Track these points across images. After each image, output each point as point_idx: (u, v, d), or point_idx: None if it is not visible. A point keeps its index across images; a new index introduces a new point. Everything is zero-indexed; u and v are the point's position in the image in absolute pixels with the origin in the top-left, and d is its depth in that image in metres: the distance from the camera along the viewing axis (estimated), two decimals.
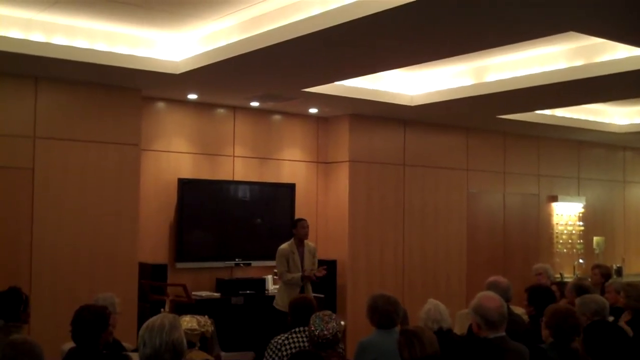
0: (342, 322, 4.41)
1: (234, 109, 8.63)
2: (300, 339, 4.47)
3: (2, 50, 5.99)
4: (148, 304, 7.17)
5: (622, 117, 10.23)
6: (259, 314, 7.97)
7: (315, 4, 5.31)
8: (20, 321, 4.64)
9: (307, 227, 7.43)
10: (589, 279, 7.11)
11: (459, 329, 5.73)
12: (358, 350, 4.54)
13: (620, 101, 9.24)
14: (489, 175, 10.51)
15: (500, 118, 9.24)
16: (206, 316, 4.97)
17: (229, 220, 8.48)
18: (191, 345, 4.42)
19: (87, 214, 7.11)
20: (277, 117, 9.00)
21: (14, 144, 6.83)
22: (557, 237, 11.28)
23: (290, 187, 8.89)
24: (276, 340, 4.51)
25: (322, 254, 8.75)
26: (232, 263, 8.39)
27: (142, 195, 7.66)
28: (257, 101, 8.26)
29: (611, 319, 5.29)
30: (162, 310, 6.40)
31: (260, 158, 8.84)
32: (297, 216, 8.24)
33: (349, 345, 7.46)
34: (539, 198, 11.14)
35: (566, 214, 11.41)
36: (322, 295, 8.23)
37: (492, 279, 5.30)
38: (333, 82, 7.42)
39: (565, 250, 11.28)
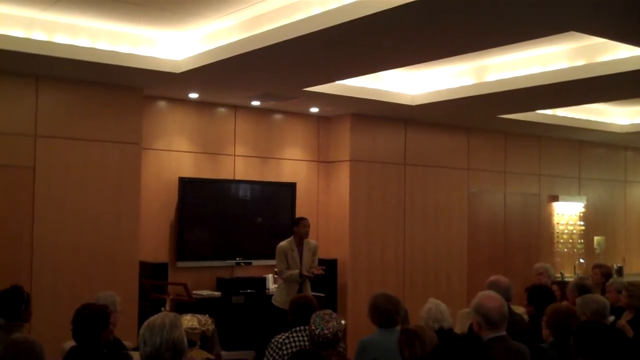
0: (343, 322, 4.41)
1: (235, 108, 8.64)
2: (301, 338, 4.47)
3: (3, 48, 5.99)
4: (149, 303, 7.18)
5: (623, 117, 10.23)
6: (259, 313, 7.97)
7: (316, 3, 5.31)
8: (21, 320, 4.64)
9: (308, 226, 7.43)
10: (590, 279, 7.10)
11: (460, 329, 5.73)
12: (359, 348, 4.55)
13: (621, 101, 9.23)
14: (490, 175, 10.51)
15: (501, 118, 9.24)
16: (207, 315, 4.99)
17: (229, 220, 8.48)
18: (192, 344, 4.44)
19: (88, 213, 7.12)
20: (278, 116, 9.00)
21: (15, 143, 6.84)
22: (557, 236, 11.28)
23: (291, 187, 8.89)
24: (277, 339, 4.51)
25: (323, 253, 8.75)
26: (232, 262, 8.40)
27: (143, 194, 7.66)
28: (258, 100, 8.26)
29: (612, 318, 5.29)
30: (162, 309, 6.41)
31: (261, 157, 8.84)
32: (297, 215, 8.24)
33: (349, 344, 7.46)
34: (539, 198, 11.14)
35: (567, 214, 11.41)
36: (323, 294, 8.24)
37: (492, 278, 5.30)
38: (334, 81, 7.42)
39: (566, 250, 11.28)
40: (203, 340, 4.99)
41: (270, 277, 8.49)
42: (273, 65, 6.52)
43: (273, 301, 7.30)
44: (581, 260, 11.23)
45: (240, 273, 8.49)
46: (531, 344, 4.17)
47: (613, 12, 4.91)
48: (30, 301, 4.78)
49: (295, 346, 4.42)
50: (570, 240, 11.34)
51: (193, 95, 8.05)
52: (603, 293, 6.12)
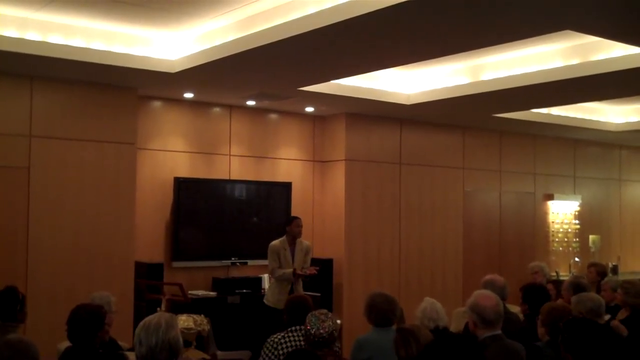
0: (338, 321, 4.41)
1: (230, 107, 8.63)
2: (297, 338, 4.47)
3: None
4: (144, 303, 7.17)
5: (617, 115, 10.25)
6: (255, 312, 7.96)
7: (311, 3, 5.31)
8: (16, 321, 4.63)
9: (301, 226, 7.40)
10: (585, 277, 7.12)
11: (455, 327, 5.74)
12: (355, 347, 4.55)
13: (616, 100, 9.25)
14: (485, 174, 10.52)
15: (497, 117, 9.25)
16: (202, 315, 4.98)
17: (225, 219, 8.47)
18: (187, 344, 4.43)
19: (83, 213, 7.10)
20: (273, 115, 8.99)
21: (10, 143, 6.82)
22: (553, 235, 11.30)
23: (287, 186, 8.89)
24: (272, 339, 4.51)
25: (319, 253, 8.76)
26: (228, 262, 8.39)
27: (138, 194, 7.65)
28: (253, 100, 8.26)
29: (607, 317, 5.30)
30: (158, 309, 6.41)
31: (256, 157, 8.83)
32: (293, 215, 8.23)
33: (345, 343, 7.46)
34: (534, 196, 11.16)
35: (562, 213, 11.43)
36: (319, 294, 8.24)
37: (488, 277, 5.31)
38: (329, 80, 7.43)
39: (561, 249, 11.30)
40: (199, 340, 4.98)
41: (266, 277, 8.47)
42: (268, 65, 6.52)
43: (265, 301, 7.29)
44: (576, 259, 11.26)
45: (235, 273, 8.48)
46: (526, 342, 4.18)
47: (608, 11, 4.92)
48: (26, 302, 4.76)
49: (291, 346, 4.42)
50: (566, 239, 11.36)
51: (188, 95, 8.04)
52: (598, 292, 6.13)
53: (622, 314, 5.58)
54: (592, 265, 7.79)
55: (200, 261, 8.23)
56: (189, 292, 7.63)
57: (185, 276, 7.96)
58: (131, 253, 7.40)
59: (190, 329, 4.69)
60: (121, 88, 7.36)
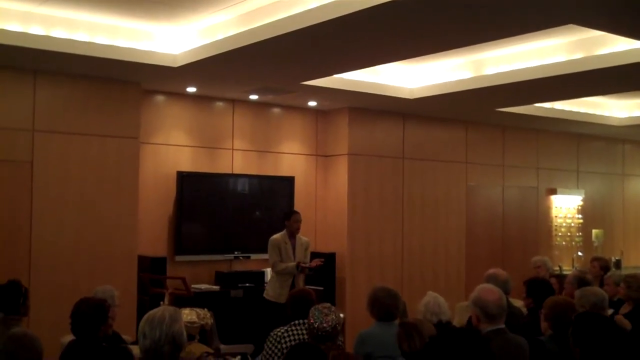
0: (342, 315, 4.42)
1: (232, 102, 8.63)
2: (300, 332, 4.48)
3: (0, 43, 5.97)
4: (147, 297, 7.18)
5: (621, 110, 10.23)
6: (258, 306, 7.97)
7: None
8: (19, 314, 4.64)
9: (300, 221, 7.37)
10: (589, 272, 7.11)
11: (458, 322, 5.74)
12: (358, 341, 4.56)
13: (619, 94, 9.23)
14: (488, 169, 10.51)
15: (500, 111, 9.23)
16: (205, 309, 4.99)
17: (228, 214, 8.48)
18: (191, 338, 4.43)
19: (86, 207, 7.11)
20: (276, 110, 8.99)
21: (13, 137, 6.83)
22: (556, 229, 11.29)
23: (290, 180, 8.89)
24: (275, 332, 4.52)
25: (322, 247, 8.77)
26: (231, 256, 8.40)
27: (141, 188, 7.65)
28: (256, 94, 8.25)
29: (610, 311, 5.30)
30: (161, 303, 6.41)
31: (259, 151, 8.83)
32: (295, 209, 8.23)
33: (348, 337, 7.47)
34: (538, 191, 11.14)
35: (565, 207, 11.42)
36: (322, 288, 8.24)
37: (491, 271, 5.31)
38: (332, 75, 7.42)
39: (564, 243, 11.29)
40: (202, 334, 4.99)
41: (268, 270, 8.46)
42: (271, 59, 6.51)
43: (265, 295, 7.26)
44: (579, 253, 11.25)
45: (238, 267, 8.49)
46: (530, 336, 4.18)
47: (612, 4, 4.91)
48: (29, 295, 4.78)
49: (294, 339, 4.43)
50: (569, 234, 11.35)
51: (191, 90, 8.04)
52: (601, 286, 6.12)
53: (625, 308, 5.58)
54: (595, 259, 7.79)
55: (203, 255, 8.25)
56: (192, 286, 7.64)
57: (188, 270, 7.97)
58: (134, 247, 7.42)
59: (194, 322, 4.70)
60: (124, 82, 7.36)
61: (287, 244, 7.26)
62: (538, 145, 11.10)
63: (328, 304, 4.13)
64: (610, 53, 6.56)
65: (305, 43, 5.86)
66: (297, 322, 4.53)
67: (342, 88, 7.80)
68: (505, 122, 10.35)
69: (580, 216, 11.49)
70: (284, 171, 8.97)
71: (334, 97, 8.33)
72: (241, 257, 8.46)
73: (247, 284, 8.20)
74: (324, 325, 3.95)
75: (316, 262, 7.27)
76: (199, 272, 8.21)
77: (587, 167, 11.76)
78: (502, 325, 3.92)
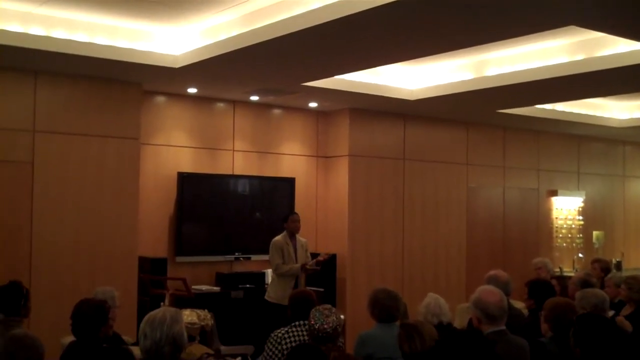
0: (342, 316, 4.41)
1: (233, 103, 8.62)
2: (300, 333, 4.48)
3: (1, 43, 5.97)
4: (148, 298, 7.18)
5: (622, 111, 10.23)
6: (258, 307, 7.96)
7: None
8: (20, 315, 4.63)
9: (298, 221, 7.42)
10: (593, 275, 7.11)
11: (459, 323, 5.74)
12: (358, 343, 4.55)
13: (620, 95, 9.22)
14: (489, 170, 10.50)
15: (501, 112, 9.23)
16: (206, 310, 4.98)
17: (228, 215, 8.48)
18: (191, 339, 4.43)
19: (86, 208, 7.11)
20: (276, 111, 8.99)
21: (14, 138, 6.83)
22: (556, 231, 11.28)
23: (290, 182, 8.89)
24: (276, 333, 4.52)
25: (322, 248, 8.76)
26: (231, 257, 8.40)
27: (142, 189, 7.65)
28: (256, 95, 8.25)
29: (611, 313, 5.29)
30: (162, 304, 6.42)
31: (260, 152, 8.83)
32: (296, 210, 8.23)
33: (348, 339, 7.46)
34: (538, 192, 11.14)
35: (566, 209, 11.41)
36: (322, 289, 8.24)
37: (492, 272, 5.30)
38: (333, 76, 7.42)
39: (564, 245, 11.28)
40: (202, 335, 4.99)
41: (269, 272, 8.46)
42: (272, 60, 6.51)
43: (267, 297, 7.27)
44: (580, 255, 11.24)
45: (239, 268, 8.48)
46: (530, 338, 4.18)
47: (613, 6, 4.90)
48: (29, 296, 4.77)
49: (295, 341, 4.42)
50: (569, 235, 11.35)
51: (192, 90, 8.04)
52: (602, 288, 6.12)
53: (626, 310, 5.58)
54: (596, 261, 7.78)
55: (203, 256, 8.24)
56: (193, 287, 7.63)
57: (189, 271, 7.97)
58: (135, 248, 7.41)
59: (194, 323, 4.69)
60: (125, 83, 7.35)
61: (288, 245, 7.28)
62: (539, 147, 11.10)
63: (329, 305, 4.13)
64: (611, 54, 6.55)
65: (306, 44, 5.86)
66: (297, 323, 4.53)
67: (343, 89, 7.79)
68: (506, 124, 10.35)
69: (580, 218, 11.49)
70: (284, 172, 8.97)
71: (334, 98, 8.32)
72: (242, 258, 8.45)
73: (248, 285, 8.20)
74: (325, 326, 3.95)
75: (323, 256, 7.31)
76: (199, 273, 8.21)
77: (588, 169, 11.76)
78: (503, 327, 3.92)
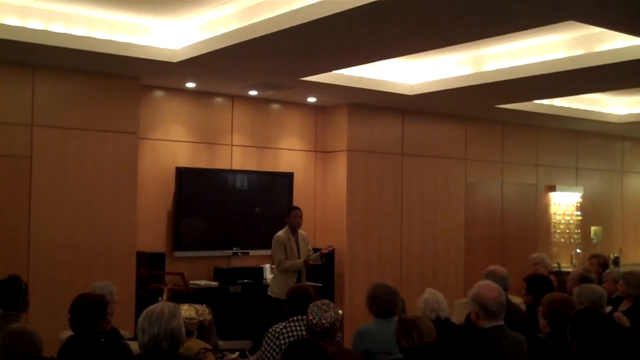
0: (340, 311, 4.42)
1: (232, 97, 8.61)
2: (298, 328, 4.48)
3: None
4: (146, 293, 7.18)
5: (620, 106, 10.23)
6: (256, 302, 7.98)
7: None
8: (18, 310, 4.63)
9: (300, 216, 7.43)
10: (591, 270, 7.11)
11: (457, 318, 5.74)
12: (356, 338, 4.55)
13: (618, 91, 9.23)
14: (487, 165, 10.51)
15: (499, 107, 9.23)
16: (204, 305, 4.99)
17: (226, 209, 8.47)
18: (189, 333, 4.43)
19: (84, 203, 7.10)
20: (275, 106, 8.98)
21: (12, 132, 6.81)
22: (554, 226, 11.29)
23: (289, 176, 8.89)
24: (274, 328, 4.52)
25: (320, 243, 8.76)
26: (230, 252, 8.40)
27: (140, 184, 7.65)
28: (255, 90, 8.24)
29: (609, 308, 5.30)
30: (159, 299, 6.41)
31: (258, 147, 8.82)
32: (294, 205, 8.23)
33: (346, 334, 7.46)
34: (537, 188, 11.15)
35: (564, 204, 11.42)
36: (320, 284, 8.24)
37: (490, 268, 5.31)
38: (332, 70, 7.41)
39: (562, 240, 11.30)
40: (200, 330, 4.99)
41: (267, 266, 8.49)
42: (270, 55, 6.50)
43: (270, 292, 7.28)
44: (578, 251, 11.26)
45: (237, 263, 8.49)
46: (528, 333, 4.18)
47: (612, 1, 4.89)
48: (28, 291, 4.77)
49: (293, 336, 4.43)
50: (567, 231, 11.36)
51: (190, 85, 8.02)
52: (600, 283, 6.12)
53: (624, 306, 5.57)
54: (594, 256, 7.78)
55: (202, 251, 8.24)
56: (191, 281, 7.63)
57: (187, 266, 7.97)
58: (133, 243, 7.41)
59: (192, 318, 4.69)
60: (123, 77, 7.34)
61: (291, 240, 7.29)
62: (537, 142, 11.10)
63: (327, 301, 4.13)
64: (610, 50, 6.55)
65: (304, 39, 5.85)
66: (295, 318, 4.53)
67: (342, 84, 7.78)
68: (505, 119, 10.35)
69: (579, 213, 11.50)
70: (283, 167, 8.97)
71: (333, 93, 8.31)
72: (240, 253, 8.46)
73: (246, 280, 8.20)
74: (323, 321, 3.95)
75: (327, 248, 7.33)
76: (197, 268, 8.21)
77: (586, 164, 11.77)
78: (501, 322, 3.93)
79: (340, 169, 9.09)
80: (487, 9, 5.08)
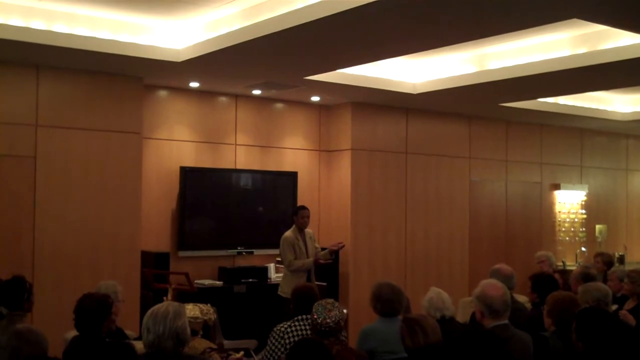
0: (345, 310, 4.42)
1: (235, 97, 8.61)
2: (303, 327, 4.48)
3: (3, 38, 5.97)
4: (151, 293, 7.18)
5: (625, 104, 10.20)
6: (261, 302, 7.98)
7: None
8: (23, 310, 4.64)
9: (308, 216, 7.40)
10: (593, 267, 7.10)
11: (462, 317, 5.73)
12: (361, 337, 4.55)
13: (623, 89, 9.20)
14: (492, 164, 10.49)
15: (503, 106, 9.21)
16: (209, 304, 4.99)
17: (231, 209, 8.47)
18: (194, 333, 4.43)
19: (89, 203, 7.11)
20: (279, 105, 8.98)
21: (16, 132, 6.82)
22: (559, 225, 11.27)
23: (293, 176, 8.88)
24: (279, 327, 4.52)
25: (325, 242, 8.75)
26: (234, 251, 8.40)
27: (144, 183, 7.66)
28: (259, 89, 8.24)
29: (614, 307, 5.29)
30: (164, 298, 6.41)
31: (262, 146, 8.82)
32: (299, 204, 8.23)
33: (351, 333, 7.46)
34: (541, 186, 11.12)
35: (569, 202, 11.40)
36: (325, 284, 8.24)
37: (495, 266, 5.30)
38: (335, 70, 7.40)
39: (567, 239, 11.27)
40: (205, 329, 5.00)
41: (272, 266, 8.50)
42: (274, 54, 6.50)
43: (280, 293, 7.25)
44: (583, 249, 11.23)
45: (242, 262, 8.49)
46: (533, 332, 4.17)
47: None
48: (33, 291, 4.78)
49: (298, 335, 4.43)
50: (572, 229, 11.33)
51: (194, 84, 8.03)
52: (605, 281, 6.11)
53: (629, 304, 5.57)
54: (599, 255, 7.77)
55: (206, 250, 8.24)
56: (195, 281, 7.64)
57: (192, 265, 7.97)
58: (137, 242, 7.41)
59: (197, 318, 4.70)
60: (127, 77, 7.35)
61: (299, 240, 7.29)
62: (542, 140, 11.08)
63: (331, 300, 4.12)
64: (614, 47, 6.53)
65: (308, 38, 5.85)
66: (300, 317, 4.53)
67: (345, 83, 7.78)
68: (509, 117, 10.33)
69: (583, 211, 11.48)
70: (287, 166, 8.96)
71: (337, 91, 8.31)
72: (244, 253, 8.46)
73: (251, 280, 8.20)
74: (327, 320, 3.95)
75: (337, 245, 7.32)
76: (202, 268, 8.21)
77: (591, 162, 11.74)
78: (506, 321, 3.92)
79: (344, 168, 9.09)
80: (491, 7, 5.07)
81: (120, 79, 7.31)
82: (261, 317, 7.69)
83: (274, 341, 4.46)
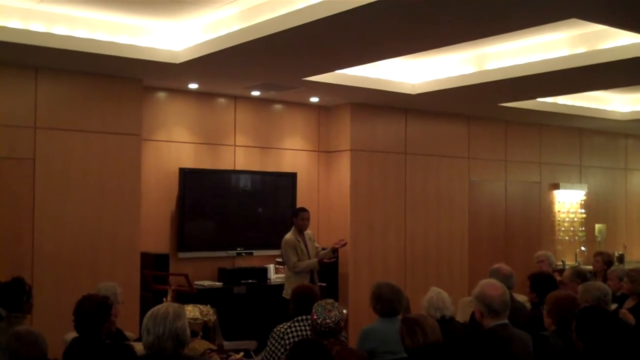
0: (344, 311, 4.42)
1: (234, 98, 8.62)
2: (303, 328, 4.48)
3: (2, 40, 5.96)
4: (150, 294, 7.18)
5: (624, 104, 10.21)
6: (261, 303, 7.98)
7: None
8: (23, 312, 4.64)
9: (308, 218, 7.39)
10: (581, 265, 7.10)
11: (462, 317, 5.73)
12: (361, 336, 4.55)
13: (622, 88, 9.20)
14: (491, 164, 10.50)
15: (502, 106, 9.22)
16: (208, 305, 5.00)
17: (230, 210, 8.47)
18: (194, 334, 4.44)
19: (88, 204, 7.11)
20: (278, 106, 8.98)
21: (15, 135, 6.82)
22: (558, 224, 11.28)
23: (292, 177, 8.88)
24: (279, 328, 4.52)
25: (324, 243, 8.74)
26: (234, 252, 8.40)
27: (144, 185, 7.66)
28: (258, 90, 8.24)
29: (614, 306, 5.29)
30: (164, 299, 6.41)
31: (261, 147, 8.83)
32: (298, 205, 8.23)
33: (350, 333, 7.46)
34: (540, 186, 11.13)
35: (568, 202, 11.40)
36: (324, 284, 8.24)
37: (495, 266, 5.30)
38: (334, 70, 7.40)
39: (567, 238, 11.28)
40: (205, 330, 5.00)
41: (271, 267, 8.50)
42: (273, 55, 6.50)
43: (285, 295, 7.19)
44: (582, 248, 11.24)
45: (241, 263, 8.49)
46: (533, 331, 4.17)
47: None
48: (32, 293, 4.78)
49: (298, 335, 4.43)
50: (572, 228, 11.34)
51: (193, 86, 8.03)
52: (604, 281, 6.11)
53: (629, 303, 5.57)
54: (599, 254, 7.77)
55: (205, 252, 8.24)
56: (195, 282, 7.64)
57: (191, 267, 7.97)
58: (137, 244, 7.41)
59: (197, 319, 4.70)
60: (126, 79, 7.35)
61: (300, 242, 7.28)
62: (541, 140, 11.09)
63: (331, 300, 4.12)
64: (613, 47, 6.53)
65: (307, 39, 5.85)
66: (300, 318, 4.54)
67: (344, 84, 7.78)
68: (508, 117, 10.33)
69: (583, 211, 11.48)
70: (286, 167, 8.97)
71: (336, 92, 8.31)
72: (244, 254, 8.46)
73: (250, 281, 8.20)
74: (327, 321, 3.95)
75: (339, 242, 7.32)
76: (201, 269, 8.21)
77: (590, 162, 11.75)
78: (506, 321, 3.92)
79: (343, 168, 9.09)
80: (490, 8, 5.08)
81: (119, 81, 7.32)
82: (261, 317, 7.69)
83: (273, 342, 4.46)
